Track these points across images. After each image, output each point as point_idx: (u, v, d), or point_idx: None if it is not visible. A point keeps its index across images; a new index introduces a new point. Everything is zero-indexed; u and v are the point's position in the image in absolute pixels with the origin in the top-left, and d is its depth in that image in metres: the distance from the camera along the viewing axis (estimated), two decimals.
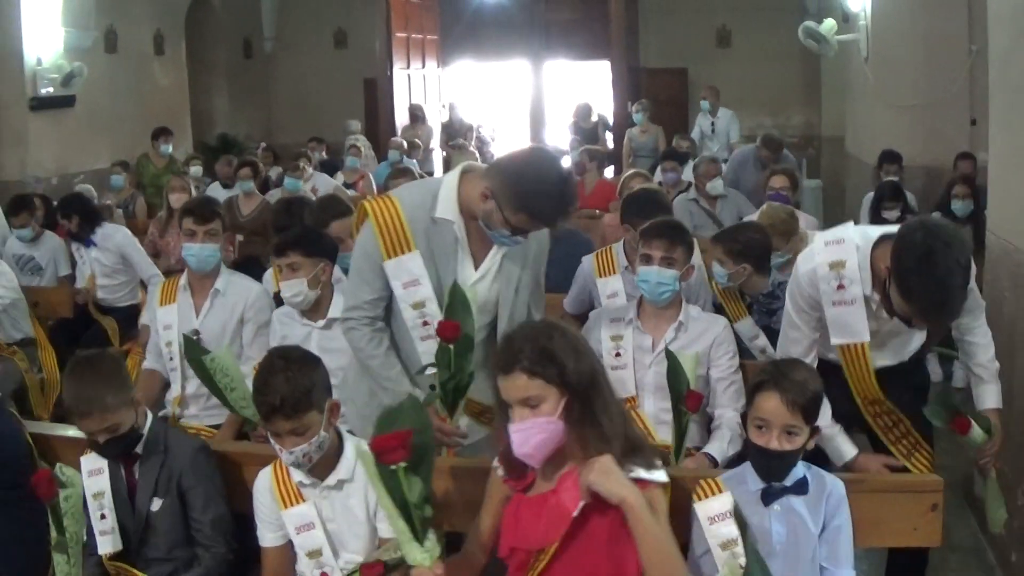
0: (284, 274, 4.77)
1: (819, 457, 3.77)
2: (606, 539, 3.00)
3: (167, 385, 5.22)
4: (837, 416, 4.02)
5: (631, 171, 8.45)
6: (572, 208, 3.69)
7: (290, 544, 3.57)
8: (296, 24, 17.52)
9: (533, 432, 2.97)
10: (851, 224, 4.14)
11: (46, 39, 11.23)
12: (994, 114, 5.63)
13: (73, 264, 7.94)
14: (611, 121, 16.27)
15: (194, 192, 8.97)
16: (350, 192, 10.74)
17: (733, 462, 4.22)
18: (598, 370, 3.10)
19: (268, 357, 3.48)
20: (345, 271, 5.09)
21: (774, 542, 3.31)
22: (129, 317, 7.47)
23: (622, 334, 4.55)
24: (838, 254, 3.91)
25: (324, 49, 17.53)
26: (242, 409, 4.50)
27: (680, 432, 4.12)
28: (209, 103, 16.47)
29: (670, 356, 4.13)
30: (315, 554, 3.49)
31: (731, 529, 3.22)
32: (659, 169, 10.00)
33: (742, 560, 3.18)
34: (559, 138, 16.85)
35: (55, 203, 8.33)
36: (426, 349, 3.81)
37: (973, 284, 3.79)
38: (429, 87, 17.95)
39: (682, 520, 3.32)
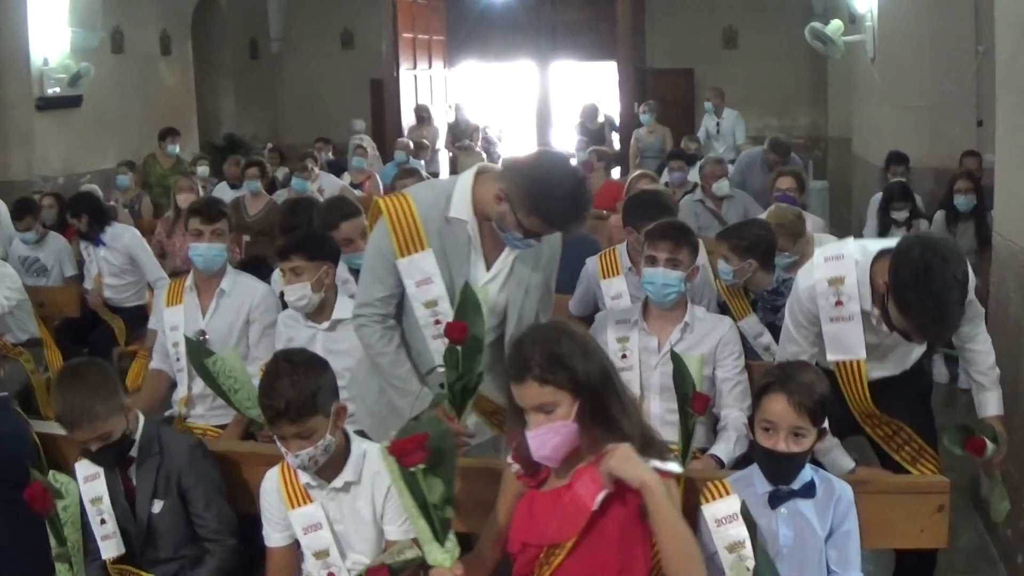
0: (288, 278, 4.76)
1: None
2: (617, 536, 3.01)
3: (174, 385, 5.23)
4: (838, 421, 4.02)
5: (637, 172, 8.43)
6: (586, 214, 3.68)
7: (296, 545, 3.57)
8: (303, 24, 17.53)
9: (549, 436, 2.99)
10: (851, 240, 4.17)
11: (53, 39, 11.26)
12: (1001, 115, 5.62)
13: (80, 264, 7.95)
14: (617, 122, 16.26)
15: (201, 192, 8.97)
16: (357, 192, 10.74)
17: (739, 463, 4.23)
18: (608, 368, 3.11)
19: (274, 360, 3.49)
20: (355, 271, 5.10)
21: (781, 545, 3.31)
22: (135, 317, 7.47)
23: (628, 336, 4.55)
24: (837, 270, 3.93)
25: (331, 50, 17.53)
26: (247, 410, 4.50)
27: (687, 434, 4.11)
28: (215, 103, 16.49)
29: (675, 358, 4.12)
30: (322, 554, 3.50)
31: (739, 531, 3.22)
32: (666, 170, 10.00)
33: (749, 563, 3.18)
34: (565, 139, 16.84)
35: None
36: (438, 348, 3.79)
37: (972, 294, 3.79)
38: (435, 88, 17.95)
39: (689, 522, 3.29)
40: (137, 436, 3.80)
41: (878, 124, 11.41)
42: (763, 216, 6.18)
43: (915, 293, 3.48)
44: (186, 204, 7.77)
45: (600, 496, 2.97)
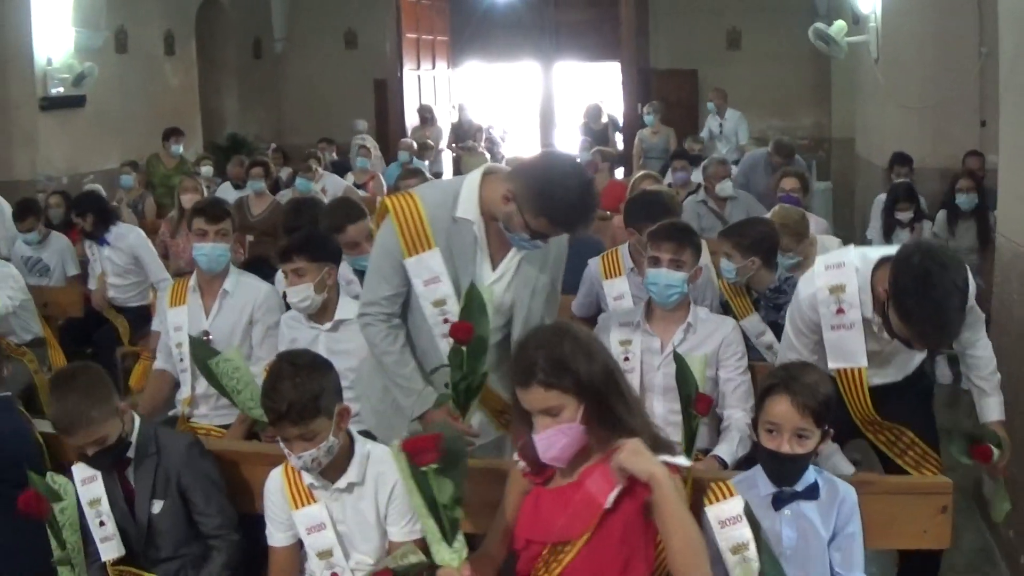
0: (290, 279, 4.76)
1: None
2: (621, 533, 3.01)
3: (177, 385, 5.23)
4: (840, 425, 4.02)
5: (641, 173, 8.44)
6: (593, 215, 3.68)
7: (299, 544, 3.57)
8: (306, 24, 17.52)
9: (557, 438, 3.01)
10: (851, 247, 4.19)
11: (57, 39, 11.26)
12: (1004, 116, 5.62)
13: (84, 263, 7.96)
14: (621, 122, 16.26)
15: (206, 193, 8.97)
16: (360, 193, 10.76)
17: (742, 463, 4.23)
18: (612, 368, 3.12)
19: (277, 362, 3.48)
20: (360, 273, 5.10)
21: (784, 547, 3.31)
22: (139, 318, 7.47)
23: (631, 338, 4.55)
24: (838, 278, 3.95)
25: (334, 50, 17.52)
26: (250, 410, 4.51)
27: (690, 435, 4.11)
28: (219, 103, 16.47)
29: (678, 359, 4.13)
30: (326, 555, 3.50)
31: (742, 533, 3.22)
32: (669, 170, 10.00)
33: (754, 564, 3.18)
34: (569, 139, 16.85)
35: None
36: (447, 347, 3.79)
37: (972, 300, 3.80)
38: (439, 88, 17.97)
39: None
40: (134, 438, 3.80)
41: (881, 125, 11.40)
42: (767, 216, 6.19)
43: (915, 300, 3.49)
44: (190, 204, 7.78)
45: (613, 494, 2.99)
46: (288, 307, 4.98)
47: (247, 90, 16.80)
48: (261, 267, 6.45)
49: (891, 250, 3.77)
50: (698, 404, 4.04)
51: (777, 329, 5.04)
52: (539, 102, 19.20)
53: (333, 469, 3.47)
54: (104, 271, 7.59)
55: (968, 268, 3.69)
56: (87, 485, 3.75)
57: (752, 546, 3.19)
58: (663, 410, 4.43)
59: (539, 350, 3.01)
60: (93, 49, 11.75)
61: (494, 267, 3.82)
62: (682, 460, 3.07)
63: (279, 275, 5.59)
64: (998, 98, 5.80)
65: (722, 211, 8.39)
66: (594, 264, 5.60)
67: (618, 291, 5.43)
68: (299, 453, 3.34)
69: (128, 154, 11.98)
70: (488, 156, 15.82)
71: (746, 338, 4.90)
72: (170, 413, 5.22)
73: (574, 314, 5.67)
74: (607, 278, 5.49)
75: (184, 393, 5.14)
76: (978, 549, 5.46)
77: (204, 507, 3.79)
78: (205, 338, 5.02)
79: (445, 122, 17.20)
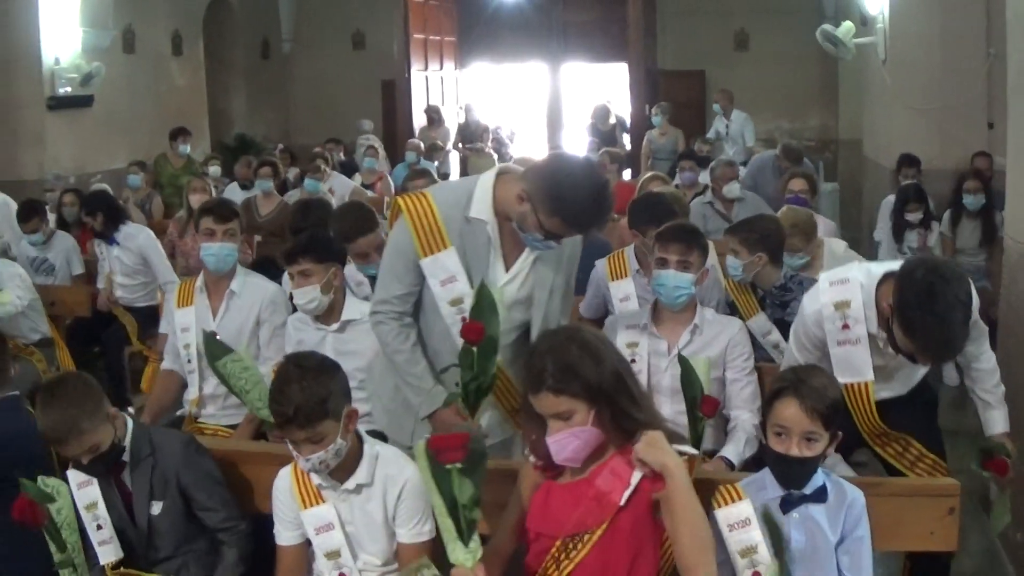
0: (297, 281, 4.76)
1: None
2: (630, 529, 3.03)
3: (185, 385, 5.24)
4: (846, 436, 4.02)
5: (649, 174, 8.43)
6: (607, 216, 3.69)
7: (306, 544, 3.58)
8: (314, 25, 17.53)
9: (569, 441, 3.03)
10: (855, 263, 4.25)
11: (64, 39, 11.27)
12: (1012, 117, 5.61)
13: (92, 263, 7.97)
14: (629, 123, 16.26)
15: (214, 193, 8.98)
16: (368, 193, 10.76)
17: (749, 464, 4.23)
18: (621, 370, 3.12)
19: (284, 365, 3.48)
20: (371, 278, 5.10)
21: (792, 550, 3.30)
22: (147, 318, 7.47)
23: (638, 341, 4.56)
24: (843, 294, 3.98)
25: (342, 50, 17.53)
26: (258, 410, 4.51)
27: (696, 437, 4.11)
28: (227, 103, 16.49)
29: (682, 361, 4.13)
30: (334, 555, 3.50)
31: (751, 536, 3.21)
32: (677, 171, 10.00)
33: (762, 568, 3.18)
34: (577, 140, 16.84)
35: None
36: None
37: (976, 314, 3.80)
38: (447, 89, 17.98)
39: None
40: (127, 442, 3.78)
41: (889, 126, 11.38)
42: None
43: (919, 314, 3.51)
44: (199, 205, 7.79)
45: (627, 492, 3.01)
46: (295, 308, 4.98)
47: (255, 90, 16.82)
48: (268, 268, 6.45)
49: (895, 265, 3.81)
50: (704, 406, 4.05)
51: (783, 327, 5.04)
52: (546, 103, 19.21)
53: (342, 470, 3.46)
54: (112, 270, 7.60)
55: (971, 282, 3.70)
56: (83, 489, 3.74)
57: (761, 549, 3.19)
58: (671, 412, 4.42)
59: (547, 356, 3.03)
60: (101, 49, 11.77)
61: (507, 267, 3.82)
62: (692, 449, 3.14)
63: (286, 276, 5.60)
64: (1006, 100, 5.79)
65: (729, 213, 8.38)
66: (601, 265, 5.61)
67: (624, 292, 5.43)
68: (307, 456, 3.33)
69: (136, 154, 11.99)
70: (495, 157, 15.83)
71: (753, 337, 4.91)
72: (178, 413, 5.23)
73: (582, 315, 5.68)
74: (613, 279, 5.50)
75: (192, 394, 5.15)
76: (984, 551, 5.44)
77: (207, 502, 3.79)
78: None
79: (452, 123, 17.20)
